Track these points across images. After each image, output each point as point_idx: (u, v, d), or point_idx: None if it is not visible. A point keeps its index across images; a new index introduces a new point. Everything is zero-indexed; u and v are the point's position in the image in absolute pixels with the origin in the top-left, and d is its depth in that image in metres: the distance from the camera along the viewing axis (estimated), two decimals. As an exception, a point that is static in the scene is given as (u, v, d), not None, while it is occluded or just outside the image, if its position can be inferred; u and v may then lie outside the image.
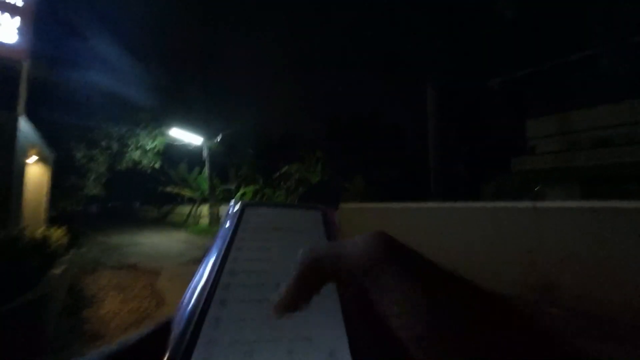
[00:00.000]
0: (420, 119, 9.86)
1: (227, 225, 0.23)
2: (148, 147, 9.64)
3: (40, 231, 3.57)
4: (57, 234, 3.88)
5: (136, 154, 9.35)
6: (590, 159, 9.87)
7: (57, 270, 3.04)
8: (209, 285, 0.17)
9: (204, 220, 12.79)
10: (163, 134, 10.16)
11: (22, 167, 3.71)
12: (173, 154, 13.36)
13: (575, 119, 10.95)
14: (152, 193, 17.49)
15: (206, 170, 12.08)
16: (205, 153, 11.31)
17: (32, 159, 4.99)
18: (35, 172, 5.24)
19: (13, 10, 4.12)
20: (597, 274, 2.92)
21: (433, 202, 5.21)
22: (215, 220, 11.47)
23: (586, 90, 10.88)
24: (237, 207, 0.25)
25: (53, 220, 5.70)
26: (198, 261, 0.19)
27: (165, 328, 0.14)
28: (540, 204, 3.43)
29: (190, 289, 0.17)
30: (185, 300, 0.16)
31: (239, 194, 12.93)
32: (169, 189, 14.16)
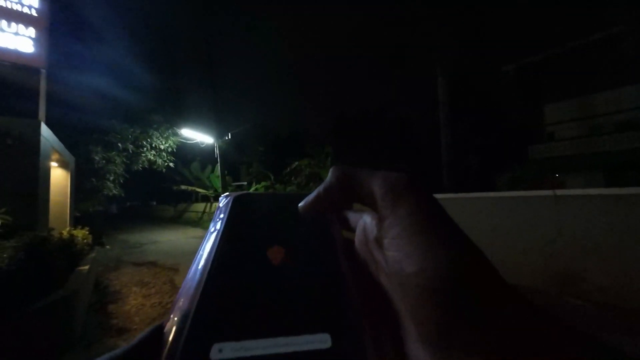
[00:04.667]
0: (431, 110, 9.62)
1: (219, 218, 0.21)
2: (162, 147, 9.87)
3: (66, 231, 3.75)
4: (82, 234, 4.06)
5: (151, 154, 9.60)
6: (615, 143, 9.39)
7: (83, 268, 3.20)
8: (201, 287, 0.16)
9: (218, 217, 13.05)
10: (175, 134, 10.37)
11: (47, 171, 3.88)
12: (186, 153, 13.66)
13: (597, 102, 10.41)
14: (168, 192, 18.00)
15: (218, 168, 12.28)
16: (216, 151, 11.48)
17: (55, 163, 5.21)
18: (58, 175, 5.47)
19: (28, 20, 4.27)
20: (622, 265, 2.80)
21: (448, 194, 5.10)
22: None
23: (608, 72, 10.29)
24: (228, 199, 0.24)
25: (77, 220, 5.97)
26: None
27: (158, 334, 0.14)
28: (560, 192, 3.30)
29: (183, 291, 0.16)
30: (178, 302, 0.16)
31: (250, 190, 13.11)
32: (183, 187, 14.52)
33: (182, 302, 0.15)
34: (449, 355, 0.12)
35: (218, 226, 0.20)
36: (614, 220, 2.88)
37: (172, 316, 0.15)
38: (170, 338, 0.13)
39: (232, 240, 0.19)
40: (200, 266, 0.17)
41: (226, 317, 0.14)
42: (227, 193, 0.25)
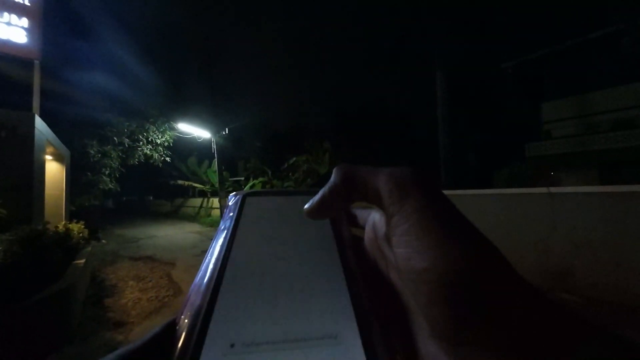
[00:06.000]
0: (430, 106, 9.63)
1: (229, 216, 0.22)
2: (158, 142, 9.80)
3: (62, 225, 3.73)
4: (78, 228, 4.04)
5: (147, 149, 9.53)
6: (610, 141, 9.48)
7: (79, 262, 3.19)
8: (213, 282, 0.16)
9: (215, 212, 13.06)
10: (172, 128, 10.29)
11: (41, 164, 3.84)
12: (182, 148, 13.57)
13: (594, 101, 10.47)
14: (164, 187, 17.91)
15: (215, 164, 12.24)
16: (214, 146, 11.43)
17: (50, 157, 5.16)
18: (53, 169, 5.43)
19: (21, 10, 4.19)
20: (614, 261, 2.85)
21: (445, 190, 5.15)
22: (226, 212, 11.68)
23: (606, 70, 10.34)
24: (237, 197, 0.24)
25: (72, 215, 5.94)
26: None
27: (170, 329, 0.14)
28: (554, 190, 3.34)
29: (195, 287, 0.16)
30: (190, 299, 0.16)
31: (248, 186, 13.10)
32: (180, 182, 14.47)
33: (193, 298, 0.15)
34: (461, 350, 0.12)
35: (228, 224, 0.21)
36: (607, 217, 2.93)
37: (184, 313, 0.15)
38: (183, 334, 0.14)
39: (242, 238, 0.19)
40: (211, 263, 0.17)
41: (237, 314, 0.15)
42: (236, 192, 0.25)
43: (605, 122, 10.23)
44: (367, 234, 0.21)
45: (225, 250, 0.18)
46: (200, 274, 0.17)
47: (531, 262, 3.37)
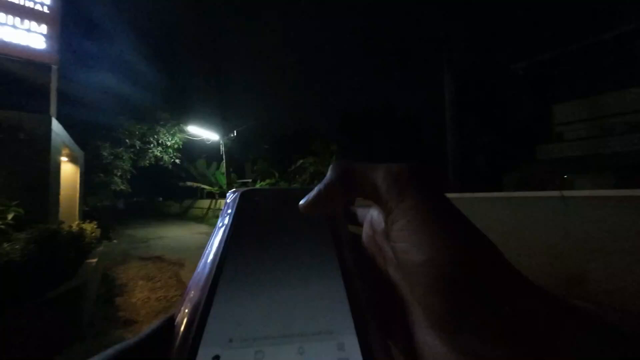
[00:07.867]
0: (438, 108, 9.54)
1: (227, 213, 0.22)
2: (169, 144, 9.99)
3: (75, 225, 3.83)
4: (91, 228, 4.14)
5: (157, 151, 9.72)
6: (625, 144, 9.19)
7: (91, 261, 3.27)
8: (210, 279, 0.16)
9: (223, 214, 13.17)
10: (182, 131, 10.48)
11: (57, 165, 3.96)
12: (192, 150, 13.80)
13: (607, 102, 10.18)
14: (174, 188, 18.18)
15: (224, 165, 12.38)
16: (222, 148, 11.57)
17: (65, 158, 5.31)
18: (68, 170, 5.58)
19: (40, 17, 4.35)
20: (629, 267, 2.76)
21: (453, 193, 5.08)
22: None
23: (619, 71, 10.05)
24: (235, 194, 0.24)
25: (85, 214, 6.09)
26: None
27: (168, 325, 0.14)
28: (567, 193, 3.26)
29: (193, 284, 0.16)
30: (189, 294, 0.16)
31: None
32: (189, 184, 14.68)
33: (192, 294, 0.16)
34: (458, 339, 0.12)
35: (226, 221, 0.21)
36: (622, 222, 2.84)
37: (182, 308, 0.15)
38: (182, 329, 0.14)
39: (240, 235, 0.20)
40: (209, 259, 0.18)
41: (235, 309, 0.15)
42: (234, 189, 0.25)
43: (620, 124, 9.93)
44: (365, 231, 0.21)
45: (223, 247, 0.18)
46: (198, 270, 0.17)
47: (543, 267, 3.28)
